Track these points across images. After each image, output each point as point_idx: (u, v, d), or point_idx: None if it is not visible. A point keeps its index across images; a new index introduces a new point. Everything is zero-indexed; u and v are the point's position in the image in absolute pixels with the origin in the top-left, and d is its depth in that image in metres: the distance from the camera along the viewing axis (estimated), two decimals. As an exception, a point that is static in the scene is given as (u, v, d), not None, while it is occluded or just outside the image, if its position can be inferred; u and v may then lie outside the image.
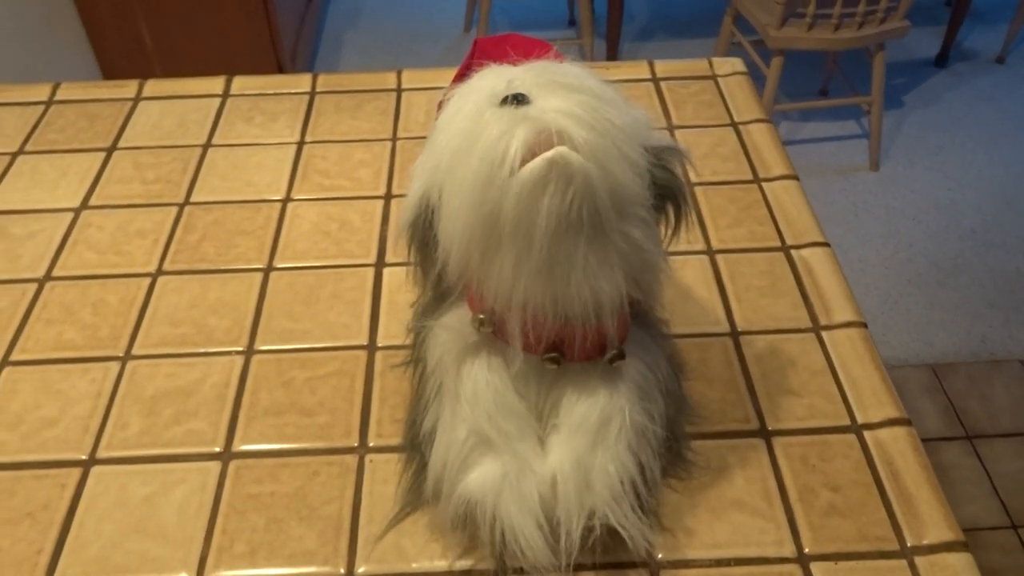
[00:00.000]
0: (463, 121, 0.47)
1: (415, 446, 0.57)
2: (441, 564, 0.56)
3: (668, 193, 0.51)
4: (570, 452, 0.52)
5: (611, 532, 0.53)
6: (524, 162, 0.44)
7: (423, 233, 0.50)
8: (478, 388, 0.52)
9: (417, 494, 0.57)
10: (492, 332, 0.52)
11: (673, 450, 0.60)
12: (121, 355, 0.70)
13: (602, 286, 0.48)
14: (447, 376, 0.54)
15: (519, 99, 0.46)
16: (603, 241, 0.47)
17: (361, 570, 0.56)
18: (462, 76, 0.55)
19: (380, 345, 0.70)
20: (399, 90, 0.97)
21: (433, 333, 0.55)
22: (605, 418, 0.52)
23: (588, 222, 0.46)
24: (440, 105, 0.53)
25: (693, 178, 0.85)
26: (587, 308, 0.48)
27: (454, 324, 0.54)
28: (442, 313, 0.55)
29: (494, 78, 0.49)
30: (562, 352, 0.51)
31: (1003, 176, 2.42)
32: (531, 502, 0.51)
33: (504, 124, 0.45)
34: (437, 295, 0.55)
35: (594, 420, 0.52)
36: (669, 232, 0.53)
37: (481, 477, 0.52)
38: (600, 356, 0.52)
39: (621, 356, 0.53)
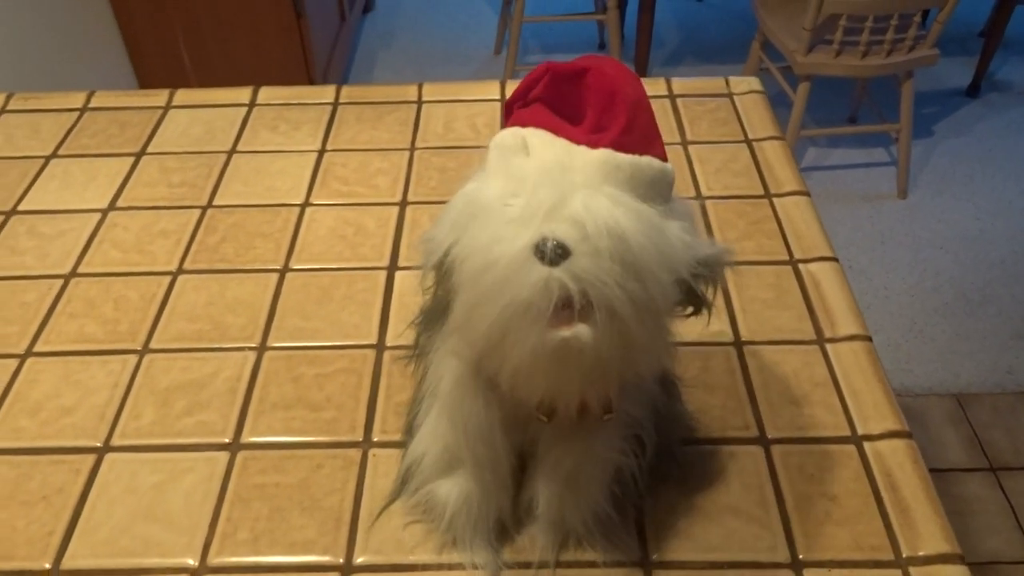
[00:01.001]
0: (494, 239, 0.44)
1: (411, 436, 0.59)
2: (438, 556, 0.57)
3: (695, 301, 0.50)
4: (544, 490, 0.56)
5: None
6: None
7: (442, 274, 0.50)
8: (468, 418, 0.53)
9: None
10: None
11: (668, 456, 0.60)
12: (139, 349, 0.72)
13: (598, 388, 0.48)
14: (443, 391, 0.55)
15: (558, 254, 0.43)
16: (604, 371, 0.47)
17: (360, 560, 0.57)
18: (524, 95, 0.52)
19: (389, 345, 0.71)
20: (419, 102, 1.00)
21: (440, 355, 0.56)
22: (578, 464, 0.55)
23: (593, 369, 0.46)
24: (507, 113, 0.53)
25: (704, 192, 0.86)
26: (578, 400, 0.49)
27: (457, 348, 0.54)
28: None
29: (543, 195, 0.44)
30: (552, 412, 0.52)
31: (1034, 207, 2.39)
32: (485, 526, 0.57)
33: (536, 277, 0.43)
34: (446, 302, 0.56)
35: (568, 466, 0.55)
36: (686, 315, 0.52)
37: (446, 490, 0.56)
38: (590, 416, 0.53)
39: (610, 411, 0.52)
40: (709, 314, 0.51)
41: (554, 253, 0.42)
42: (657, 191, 0.48)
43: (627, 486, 0.57)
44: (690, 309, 0.50)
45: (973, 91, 2.81)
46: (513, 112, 0.53)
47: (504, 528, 0.58)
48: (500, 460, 0.55)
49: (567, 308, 0.43)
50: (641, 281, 0.44)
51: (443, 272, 0.48)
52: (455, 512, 0.56)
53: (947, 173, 2.51)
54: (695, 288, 0.48)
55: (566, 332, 0.43)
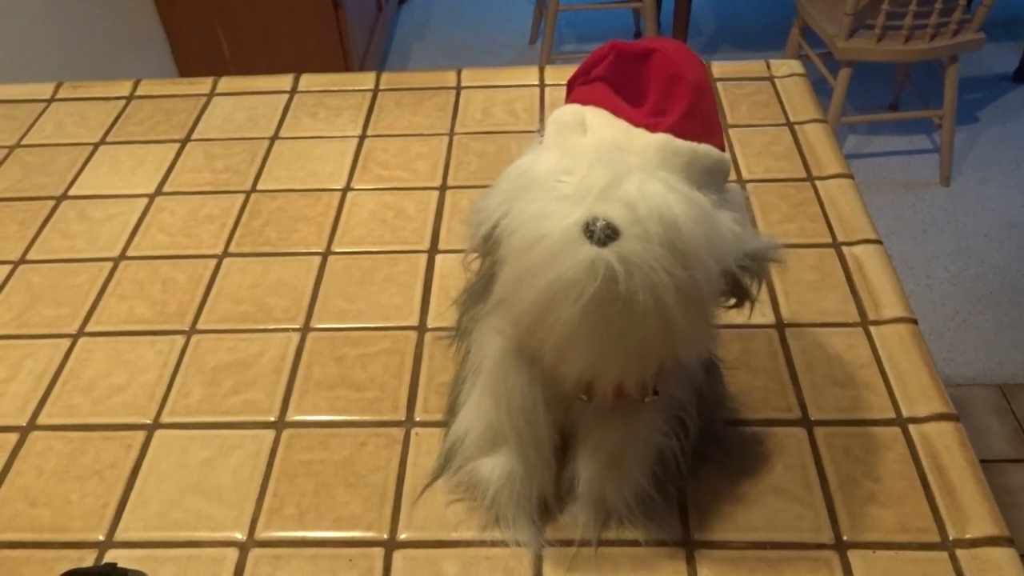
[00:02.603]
0: (548, 226, 0.44)
1: (452, 415, 0.60)
2: (480, 534, 0.58)
3: (739, 293, 0.49)
4: (585, 471, 0.56)
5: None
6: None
7: (487, 246, 0.50)
8: (512, 394, 0.53)
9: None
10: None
11: (711, 436, 0.60)
12: (186, 329, 0.74)
13: (639, 368, 0.47)
14: (486, 368, 0.55)
15: (607, 234, 0.43)
16: (648, 345, 0.46)
17: (403, 536, 0.58)
18: (587, 72, 0.52)
19: (430, 327, 0.72)
20: (458, 88, 1.00)
21: (483, 333, 0.56)
22: (619, 446, 0.55)
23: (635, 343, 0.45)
24: (569, 90, 0.53)
25: (745, 175, 0.86)
26: (616, 381, 0.49)
27: (500, 325, 0.54)
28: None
29: (597, 175, 0.44)
30: (593, 392, 0.52)
31: (1083, 194, 2.33)
32: (528, 504, 0.57)
33: (585, 263, 0.43)
34: (491, 277, 0.56)
35: (608, 448, 0.55)
36: (729, 306, 0.51)
37: (490, 467, 0.57)
38: (631, 398, 0.53)
39: (655, 393, 0.53)
40: (752, 307, 0.50)
41: (603, 233, 0.42)
42: (712, 179, 0.47)
43: (669, 467, 0.57)
44: (733, 300, 0.50)
45: (1019, 76, 2.75)
46: (574, 89, 0.53)
47: (546, 506, 0.58)
48: (543, 438, 0.55)
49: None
50: (688, 269, 0.44)
51: (491, 243, 0.49)
52: (498, 489, 0.57)
53: (992, 160, 2.46)
54: (740, 280, 0.48)
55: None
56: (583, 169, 0.44)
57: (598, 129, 0.48)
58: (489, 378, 0.55)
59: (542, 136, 0.50)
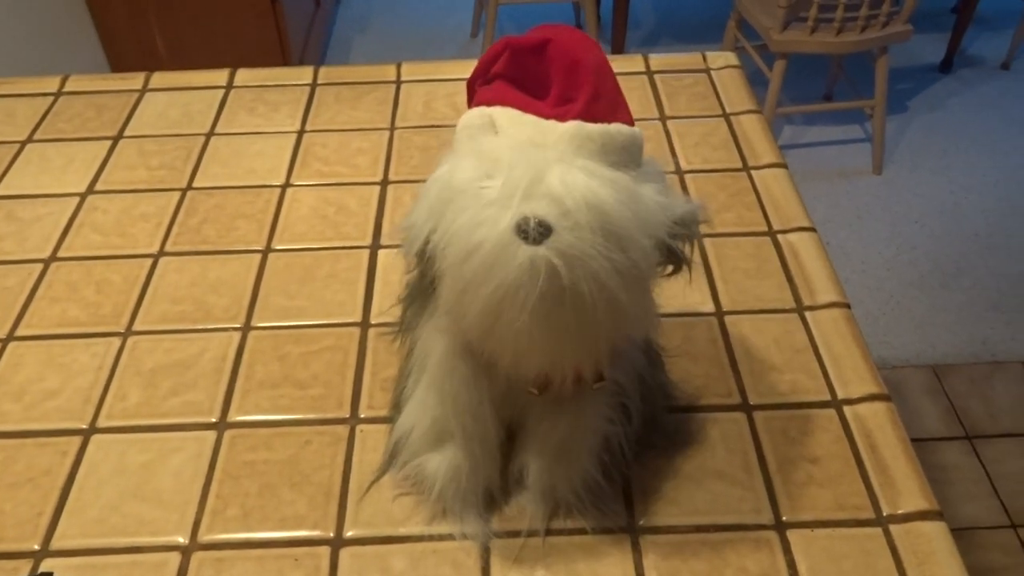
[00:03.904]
0: (475, 218, 0.44)
1: (397, 410, 0.59)
2: (427, 529, 0.58)
3: (674, 259, 0.50)
4: (534, 461, 0.57)
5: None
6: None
7: (420, 256, 0.50)
8: (457, 391, 0.54)
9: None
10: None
11: (653, 423, 0.61)
12: (122, 331, 0.72)
13: (587, 355, 0.49)
14: (431, 363, 0.55)
15: (540, 232, 0.43)
16: (595, 332, 0.47)
17: (350, 533, 0.58)
18: (484, 72, 0.52)
19: (373, 322, 0.72)
20: (398, 82, 1.00)
21: (428, 331, 0.56)
22: (567, 434, 0.55)
23: (578, 328, 0.46)
24: (470, 92, 0.54)
25: (683, 166, 0.87)
26: (568, 370, 0.50)
27: (443, 325, 0.54)
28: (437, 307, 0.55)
29: (520, 173, 0.44)
30: (543, 385, 0.53)
31: (1007, 181, 2.42)
32: (475, 497, 0.58)
33: (522, 258, 0.43)
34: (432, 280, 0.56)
35: (557, 437, 0.56)
36: (667, 274, 0.52)
37: (436, 462, 0.57)
38: (580, 388, 0.54)
39: (601, 379, 0.53)
40: (690, 270, 0.51)
41: (536, 232, 0.43)
42: (629, 156, 0.48)
43: (615, 454, 0.58)
44: (670, 268, 0.51)
45: (946, 67, 2.84)
46: (476, 91, 0.53)
47: (493, 499, 0.59)
48: (489, 433, 0.55)
49: None
50: (624, 250, 0.44)
51: (426, 260, 0.49)
52: (444, 485, 0.57)
53: (921, 148, 2.54)
54: (674, 247, 0.49)
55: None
56: (503, 171, 0.44)
57: (509, 128, 0.48)
58: (434, 375, 0.55)
59: (454, 144, 0.50)
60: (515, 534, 0.57)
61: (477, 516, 0.58)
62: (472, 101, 0.53)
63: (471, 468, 0.57)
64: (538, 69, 0.50)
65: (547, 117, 0.48)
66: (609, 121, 0.48)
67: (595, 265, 0.43)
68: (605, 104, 0.48)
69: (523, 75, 0.50)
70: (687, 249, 0.50)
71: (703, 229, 0.79)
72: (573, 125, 0.47)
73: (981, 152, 2.52)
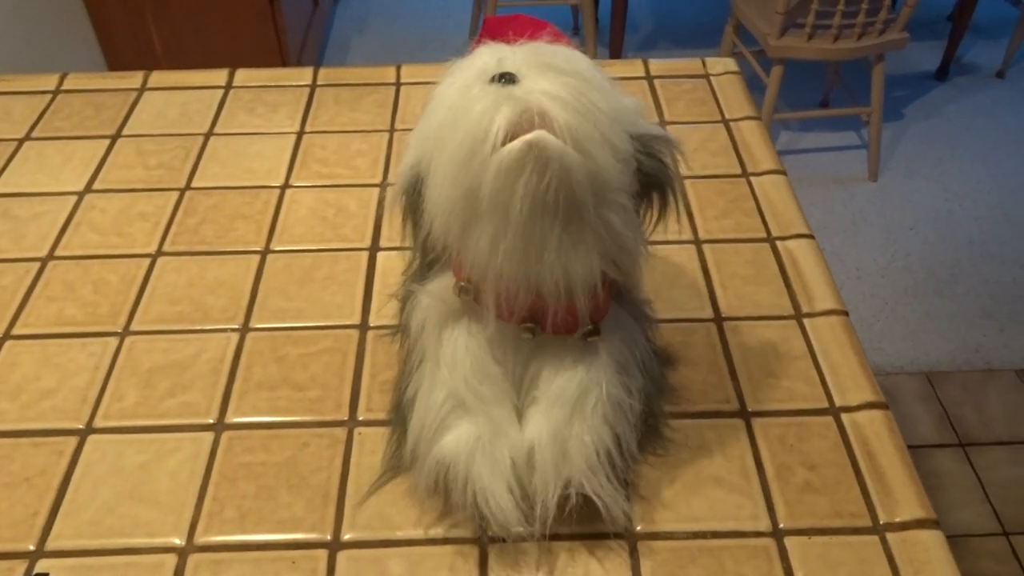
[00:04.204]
0: (453, 95, 0.49)
1: (399, 413, 0.59)
2: (424, 532, 0.57)
3: (654, 181, 0.51)
4: (547, 423, 0.54)
5: (587, 502, 0.55)
6: (506, 141, 0.46)
7: (414, 200, 0.52)
8: (457, 352, 0.54)
9: (400, 460, 0.59)
10: (472, 299, 0.53)
11: (651, 426, 0.61)
12: (120, 331, 0.72)
13: (575, 267, 0.49)
14: (428, 340, 0.55)
15: (507, 78, 0.47)
16: (578, 224, 0.48)
17: (347, 537, 0.57)
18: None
19: (372, 325, 0.72)
20: (398, 84, 1.00)
21: (417, 298, 0.57)
22: (582, 391, 0.54)
23: (564, 205, 0.47)
24: None
25: (683, 171, 0.87)
26: (559, 286, 0.49)
27: (437, 290, 0.55)
28: (429, 280, 0.57)
29: (488, 56, 0.50)
30: (537, 323, 0.53)
31: (1001, 189, 2.43)
32: (503, 466, 0.53)
33: (489, 101, 0.47)
34: (426, 263, 0.57)
35: (571, 393, 0.54)
36: (653, 219, 0.54)
37: (455, 439, 0.54)
38: (575, 331, 0.54)
39: (596, 333, 0.54)
40: (678, 209, 0.52)
41: (507, 76, 0.47)
42: (601, 73, 0.51)
43: (624, 428, 0.56)
44: (655, 208, 0.52)
45: (942, 74, 2.85)
46: None
47: (518, 472, 0.55)
48: (503, 396, 0.54)
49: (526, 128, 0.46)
50: (598, 93, 0.47)
51: (415, 190, 0.50)
52: (468, 457, 0.53)
53: (917, 155, 2.55)
54: (652, 170, 0.50)
55: (528, 136, 0.45)
56: (482, 63, 0.49)
57: (484, 52, 0.51)
58: (433, 348, 0.55)
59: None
60: (517, 539, 0.57)
61: (507, 490, 0.53)
62: None
63: (493, 434, 0.54)
64: (505, 33, 0.53)
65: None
66: None
67: (569, 103, 0.46)
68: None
69: (494, 39, 0.54)
70: (668, 179, 0.51)
71: (704, 234, 0.79)
72: (545, 38, 0.51)
73: (976, 160, 2.53)
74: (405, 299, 0.60)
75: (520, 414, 0.56)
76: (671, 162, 0.51)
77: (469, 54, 0.53)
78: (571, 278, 0.49)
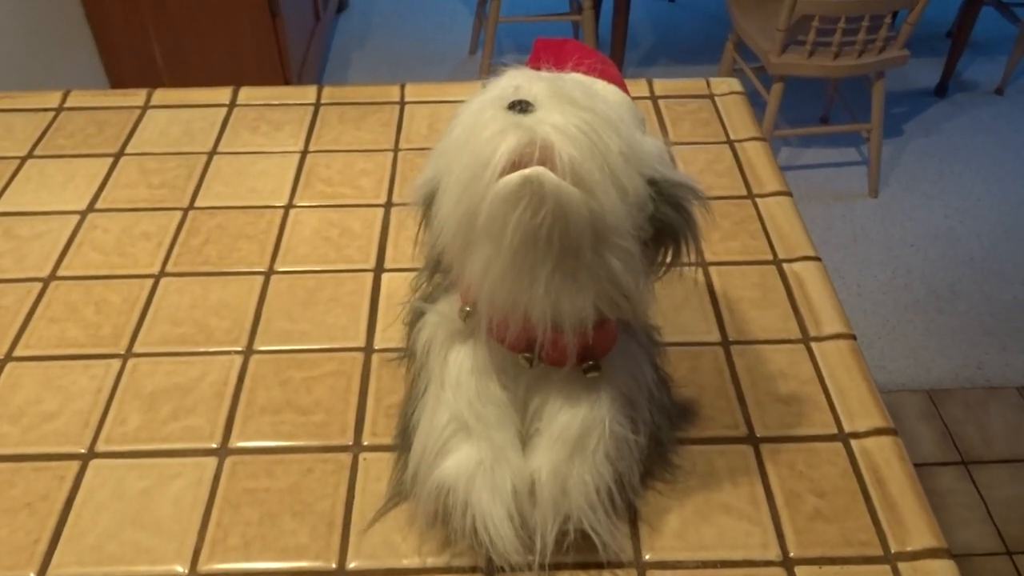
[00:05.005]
0: (469, 116, 0.48)
1: (405, 438, 0.58)
2: (431, 561, 0.57)
3: (668, 230, 0.50)
4: (548, 460, 0.54)
5: (586, 536, 0.54)
6: (509, 169, 0.45)
7: (427, 213, 0.52)
8: (462, 374, 0.53)
9: (405, 485, 0.58)
10: (476, 323, 0.53)
11: (659, 454, 0.61)
12: (122, 353, 0.71)
13: (564, 304, 0.48)
14: (434, 360, 0.55)
15: (522, 106, 0.46)
16: (573, 263, 0.46)
17: (352, 565, 0.57)
18: None
19: (377, 347, 0.71)
20: (402, 103, 0.99)
21: (424, 318, 0.56)
22: (584, 430, 0.54)
23: (558, 243, 0.45)
24: None
25: (704, 222, 0.87)
26: (546, 319, 0.48)
27: (444, 310, 0.55)
28: (437, 299, 0.56)
29: (509, 80, 0.49)
30: (533, 352, 0.52)
31: (1001, 206, 2.43)
32: (503, 492, 0.52)
33: (497, 127, 0.46)
34: (433, 281, 0.56)
35: (573, 432, 0.54)
36: (664, 267, 0.52)
37: (456, 462, 0.53)
38: (564, 364, 0.53)
39: (596, 368, 0.53)
40: (689, 253, 0.50)
41: (522, 104, 0.45)
42: (630, 112, 0.50)
43: (627, 464, 0.56)
44: (668, 254, 0.50)
45: (941, 91, 2.86)
46: None
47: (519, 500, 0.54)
48: (505, 420, 0.54)
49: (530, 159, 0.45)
50: (613, 131, 0.46)
51: (428, 205, 0.50)
52: (469, 479, 0.53)
53: (917, 172, 2.55)
54: (667, 218, 0.49)
55: (527, 170, 0.44)
56: (498, 87, 0.48)
57: (511, 75, 0.50)
58: (439, 369, 0.54)
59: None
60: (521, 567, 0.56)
61: (508, 517, 0.53)
62: None
63: (495, 458, 0.53)
64: (554, 57, 0.53)
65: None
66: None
67: (575, 140, 0.44)
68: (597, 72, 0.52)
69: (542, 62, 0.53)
70: (684, 225, 0.49)
71: (711, 256, 0.79)
72: (554, 75, 0.49)
73: (976, 176, 2.54)
74: (413, 319, 0.59)
75: (524, 441, 0.55)
76: (690, 211, 0.50)
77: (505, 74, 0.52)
78: (560, 314, 0.48)
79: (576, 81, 0.48)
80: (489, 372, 0.54)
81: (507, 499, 0.53)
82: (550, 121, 0.45)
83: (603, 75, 0.54)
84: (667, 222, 0.49)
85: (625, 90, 0.54)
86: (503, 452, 0.54)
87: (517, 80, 0.48)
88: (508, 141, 0.45)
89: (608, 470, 0.54)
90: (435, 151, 0.52)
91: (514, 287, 0.47)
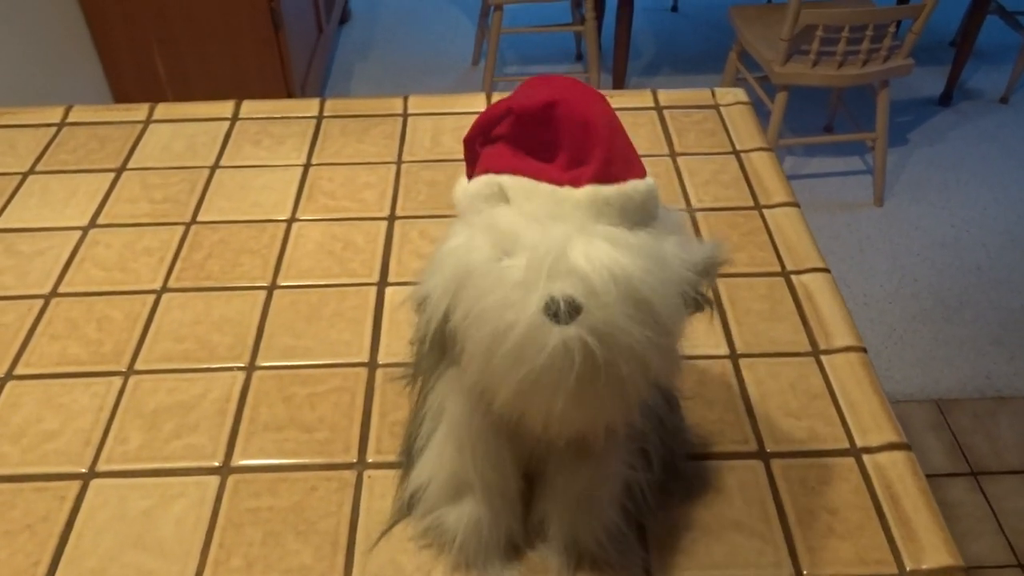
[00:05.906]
0: (505, 310, 0.42)
1: (410, 457, 0.58)
2: (437, 581, 0.56)
3: (696, 303, 0.49)
4: (556, 511, 0.55)
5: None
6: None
7: (446, 341, 0.49)
8: (476, 442, 0.52)
9: (406, 503, 0.58)
10: None
11: (672, 473, 0.60)
12: (124, 370, 0.70)
13: (621, 418, 0.48)
14: (450, 419, 0.54)
15: (570, 312, 0.42)
16: (624, 400, 0.46)
17: (357, 586, 0.56)
18: (485, 132, 0.50)
19: (381, 363, 0.70)
20: (405, 115, 0.99)
21: (444, 383, 0.55)
22: (590, 484, 0.54)
23: (604, 378, 0.44)
24: (469, 153, 0.52)
25: (694, 203, 0.86)
26: (602, 431, 0.49)
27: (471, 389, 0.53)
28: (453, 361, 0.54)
29: (539, 246, 0.42)
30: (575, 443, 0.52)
31: (1007, 214, 2.42)
32: (495, 550, 0.56)
33: (556, 347, 0.42)
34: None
35: (580, 487, 0.54)
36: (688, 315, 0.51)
37: (456, 515, 0.55)
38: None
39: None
40: (712, 309, 0.50)
41: (567, 312, 0.41)
42: (647, 211, 0.47)
43: (637, 501, 0.56)
44: (691, 310, 0.50)
45: (945, 100, 2.85)
46: (478, 153, 0.51)
47: (515, 549, 0.57)
48: (509, 483, 0.54)
49: None
50: (655, 317, 0.43)
51: (446, 337, 0.47)
52: (465, 538, 0.55)
53: (922, 181, 2.54)
54: (696, 297, 0.48)
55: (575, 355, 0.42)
56: (524, 249, 0.43)
57: (522, 199, 0.46)
58: (452, 426, 0.54)
59: (460, 212, 0.49)
60: (528, 587, 0.55)
61: (499, 569, 0.56)
62: (474, 164, 0.51)
63: (492, 520, 0.55)
64: (545, 132, 0.48)
65: (559, 182, 0.46)
66: (624, 179, 0.46)
67: (628, 339, 0.42)
68: (619, 163, 0.47)
69: (529, 138, 0.48)
70: (707, 290, 0.49)
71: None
72: (589, 190, 0.45)
73: (981, 185, 2.52)
74: (427, 372, 0.57)
75: (526, 490, 0.57)
76: (714, 281, 0.51)
77: (496, 140, 0.49)
78: (615, 423, 0.49)
79: (608, 265, 0.42)
80: (502, 441, 0.53)
81: (500, 556, 0.56)
82: (603, 326, 0.42)
83: (626, 163, 0.48)
84: (696, 300, 0.48)
85: (642, 168, 0.49)
86: (501, 514, 0.56)
87: (549, 276, 0.42)
88: (569, 356, 0.42)
89: (617, 513, 0.55)
90: (442, 275, 0.47)
91: (572, 427, 0.46)
